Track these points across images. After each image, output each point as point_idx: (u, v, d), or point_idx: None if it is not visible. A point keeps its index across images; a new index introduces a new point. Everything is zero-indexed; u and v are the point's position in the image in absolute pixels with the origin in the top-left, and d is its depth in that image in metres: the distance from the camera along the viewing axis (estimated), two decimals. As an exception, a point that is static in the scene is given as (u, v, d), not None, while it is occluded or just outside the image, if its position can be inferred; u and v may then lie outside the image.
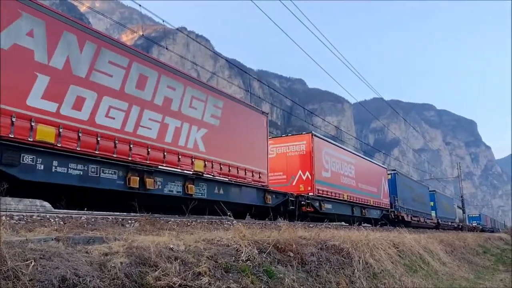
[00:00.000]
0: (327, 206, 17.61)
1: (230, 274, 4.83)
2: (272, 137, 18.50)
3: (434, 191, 41.32)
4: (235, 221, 10.10)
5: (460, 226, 47.02)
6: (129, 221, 7.07)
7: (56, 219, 5.95)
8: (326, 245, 7.50)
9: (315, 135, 17.62)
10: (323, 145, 18.48)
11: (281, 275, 5.55)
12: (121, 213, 8.73)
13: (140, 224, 6.54)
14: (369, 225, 19.12)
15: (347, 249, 7.77)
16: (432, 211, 37.86)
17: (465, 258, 17.27)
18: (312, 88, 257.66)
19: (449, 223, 44.63)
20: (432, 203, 38.41)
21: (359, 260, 7.76)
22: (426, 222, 34.70)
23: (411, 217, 29.45)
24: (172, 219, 8.20)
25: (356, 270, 7.32)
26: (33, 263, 3.12)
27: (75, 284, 3.26)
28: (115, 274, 3.65)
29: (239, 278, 4.85)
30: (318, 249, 7.09)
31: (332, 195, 18.30)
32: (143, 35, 12.67)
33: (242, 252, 5.39)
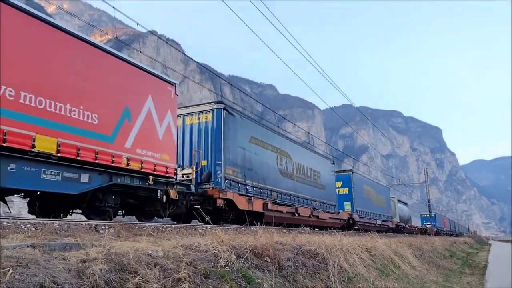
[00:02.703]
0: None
1: (209, 280, 4.80)
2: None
3: (351, 171, 29.45)
4: (209, 227, 10.05)
5: (400, 228, 39.30)
6: (103, 227, 6.92)
7: (28, 225, 5.76)
8: (302, 250, 7.56)
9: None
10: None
11: (259, 280, 5.56)
12: (94, 220, 8.52)
13: (115, 230, 6.42)
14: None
15: (322, 254, 7.86)
16: (347, 203, 27.37)
17: (433, 262, 17.76)
18: (283, 94, 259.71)
19: (379, 223, 32.03)
20: (346, 190, 27.97)
21: (334, 265, 7.86)
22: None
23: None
24: (147, 225, 8.08)
25: (331, 274, 7.40)
26: (10, 271, 3.02)
27: (53, 292, 3.16)
28: (95, 281, 3.57)
29: (218, 283, 4.83)
30: (295, 254, 7.14)
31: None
32: (116, 37, 12.47)
33: (220, 258, 5.37)
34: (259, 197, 15.21)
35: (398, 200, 45.94)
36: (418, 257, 16.34)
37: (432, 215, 53.58)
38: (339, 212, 24.64)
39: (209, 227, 10.05)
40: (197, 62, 21.42)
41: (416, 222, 62.36)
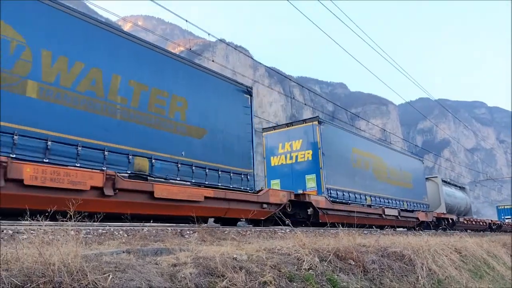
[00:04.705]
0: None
1: (294, 283, 4.79)
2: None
3: (316, 119, 16.56)
4: (288, 229, 10.06)
5: (447, 223, 25.61)
6: (188, 232, 7.21)
7: (120, 232, 6.15)
8: (386, 252, 7.29)
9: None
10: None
11: (344, 284, 5.45)
12: (178, 225, 8.91)
13: (199, 235, 6.64)
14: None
15: (408, 255, 7.52)
16: (310, 177, 16.11)
17: (533, 263, 16.25)
18: (354, 92, 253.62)
19: (392, 213, 19.51)
20: (308, 155, 16.34)
21: (422, 267, 7.49)
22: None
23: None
24: (228, 229, 8.28)
25: (420, 277, 7.06)
26: (110, 276, 3.23)
27: (149, 296, 3.33)
28: (186, 284, 3.71)
29: (303, 287, 4.81)
30: (379, 256, 6.90)
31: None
32: (190, 49, 13.09)
33: (303, 261, 5.34)
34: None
35: (444, 182, 30.69)
36: (515, 257, 15.03)
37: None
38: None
39: (288, 229, 10.07)
40: (265, 66, 21.75)
41: (489, 216, 53.92)
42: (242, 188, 11.73)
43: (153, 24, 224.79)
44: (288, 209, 13.38)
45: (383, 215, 18.53)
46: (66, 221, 4.27)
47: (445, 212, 27.40)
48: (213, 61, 14.91)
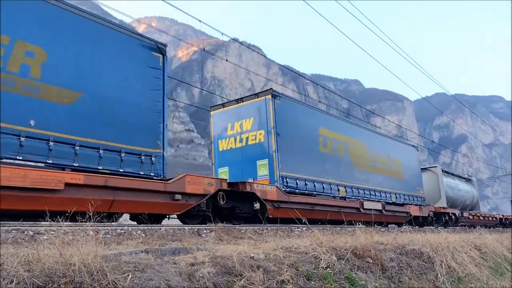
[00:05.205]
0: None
1: (312, 282, 4.77)
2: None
3: (270, 92, 13.73)
4: (305, 228, 10.03)
5: (449, 218, 23.51)
6: (204, 231, 7.24)
7: (138, 232, 6.21)
8: (405, 249, 7.22)
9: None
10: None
11: (362, 282, 5.41)
12: (195, 224, 8.96)
13: (216, 234, 6.67)
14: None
15: (427, 253, 7.44)
16: (261, 163, 13.30)
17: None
18: (369, 88, 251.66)
19: (375, 207, 16.76)
20: (260, 135, 13.56)
21: (441, 264, 7.39)
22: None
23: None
24: (244, 228, 8.29)
25: (439, 274, 6.97)
26: (130, 276, 3.25)
27: (168, 295, 3.35)
28: (204, 283, 3.73)
29: (321, 285, 4.79)
30: (397, 254, 6.83)
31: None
32: (204, 48, 13.16)
33: (321, 260, 5.31)
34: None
35: (446, 172, 27.85)
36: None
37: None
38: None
39: (305, 228, 10.04)
40: (279, 64, 21.74)
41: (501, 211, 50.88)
42: (143, 173, 9.13)
43: (167, 25, 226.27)
44: (221, 202, 10.75)
45: (361, 209, 15.75)
46: (85, 221, 4.32)
47: (445, 206, 24.42)
48: (226, 60, 14.93)
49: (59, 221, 4.29)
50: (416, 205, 20.62)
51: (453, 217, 24.39)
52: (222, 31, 11.87)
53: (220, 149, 14.26)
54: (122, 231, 6.02)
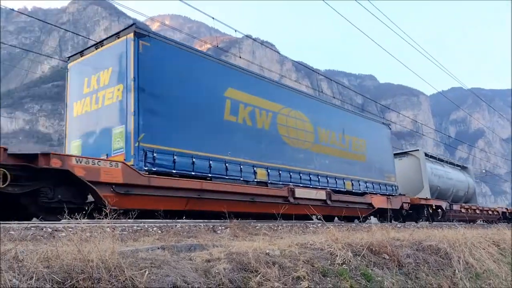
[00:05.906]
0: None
1: (328, 278, 4.75)
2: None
3: (132, 30, 9.22)
4: (320, 224, 10.00)
5: (434, 212, 19.77)
6: (219, 227, 7.28)
7: (154, 228, 6.26)
8: (421, 245, 7.15)
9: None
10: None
11: (379, 278, 5.37)
12: (210, 220, 9.00)
13: (232, 230, 6.69)
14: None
15: (444, 249, 7.35)
16: (118, 130, 9.10)
17: None
18: (384, 83, 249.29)
19: (310, 195, 12.54)
20: (118, 92, 9.37)
21: (458, 260, 7.29)
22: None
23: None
24: (259, 224, 8.31)
25: (457, 270, 6.88)
26: (147, 272, 3.29)
27: (185, 291, 3.38)
28: (220, 280, 3.74)
29: (337, 282, 4.76)
30: (414, 250, 6.77)
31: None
32: (217, 46, 13.19)
33: (337, 256, 5.29)
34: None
35: (432, 157, 23.94)
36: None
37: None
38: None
39: (320, 224, 10.01)
40: (292, 60, 21.64)
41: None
42: None
43: (180, 22, 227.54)
44: (1, 185, 6.49)
45: (291, 199, 11.84)
46: (102, 218, 4.37)
47: (428, 197, 20.08)
48: (240, 57, 14.89)
49: (77, 218, 4.34)
50: (383, 195, 16.46)
51: (439, 210, 20.14)
52: (235, 28, 11.82)
53: (75, 114, 10.32)
54: (138, 228, 6.08)
